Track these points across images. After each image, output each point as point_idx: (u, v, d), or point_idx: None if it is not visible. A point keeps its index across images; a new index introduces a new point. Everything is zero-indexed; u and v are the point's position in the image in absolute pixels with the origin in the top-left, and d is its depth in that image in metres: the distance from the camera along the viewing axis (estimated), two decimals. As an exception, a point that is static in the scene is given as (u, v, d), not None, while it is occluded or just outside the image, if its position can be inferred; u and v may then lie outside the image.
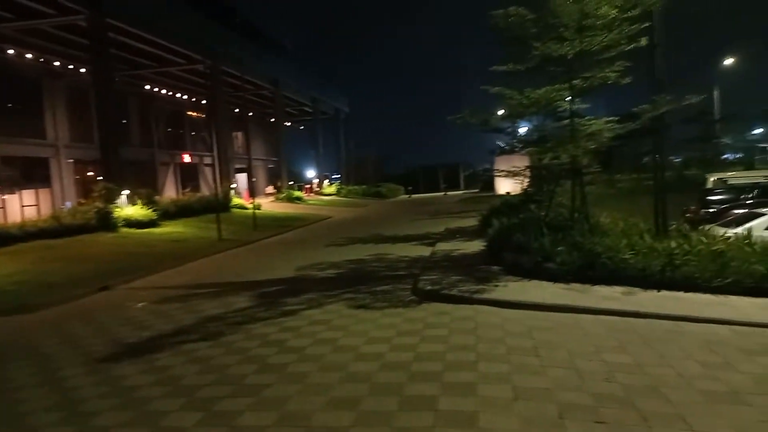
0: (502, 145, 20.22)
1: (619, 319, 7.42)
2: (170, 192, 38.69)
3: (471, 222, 20.60)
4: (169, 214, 25.81)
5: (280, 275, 12.80)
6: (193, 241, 20.74)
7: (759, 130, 49.34)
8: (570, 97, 11.09)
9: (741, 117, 48.09)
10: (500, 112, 12.97)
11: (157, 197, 27.36)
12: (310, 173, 60.91)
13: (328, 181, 59.04)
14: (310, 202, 43.92)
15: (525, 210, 14.49)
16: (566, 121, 11.54)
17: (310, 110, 56.21)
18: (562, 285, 9.08)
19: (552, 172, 14.03)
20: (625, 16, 9.78)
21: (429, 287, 9.59)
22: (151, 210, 23.87)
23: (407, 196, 60.85)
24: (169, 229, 23.31)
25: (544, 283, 9.27)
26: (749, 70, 48.47)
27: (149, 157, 37.74)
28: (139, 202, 24.34)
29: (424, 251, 14.78)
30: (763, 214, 11.88)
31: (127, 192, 23.92)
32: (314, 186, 55.17)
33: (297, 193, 44.16)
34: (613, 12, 9.68)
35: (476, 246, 14.45)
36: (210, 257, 17.58)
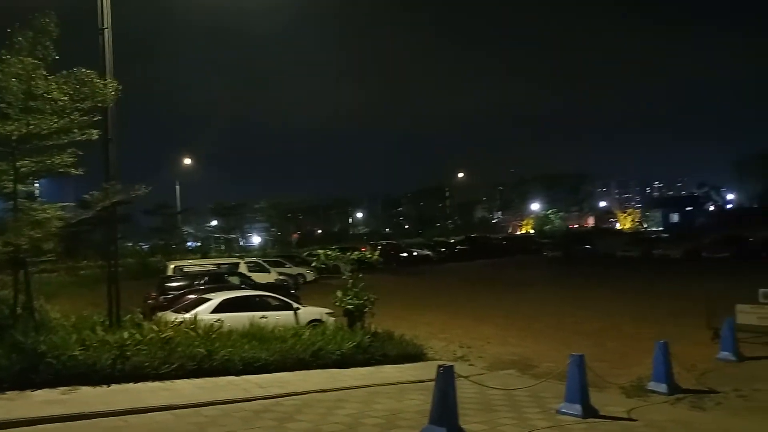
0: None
1: (62, 425, 6.80)
2: None
3: None
4: None
5: None
6: None
7: (214, 222, 57.12)
8: (14, 180, 9.96)
9: (198, 210, 54.85)
10: None
11: None
12: None
13: None
14: None
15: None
16: (11, 203, 10.31)
17: None
18: (-6, 396, 7.71)
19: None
20: (77, 105, 9.64)
21: None
22: None
23: None
24: None
25: (-29, 399, 7.67)
26: (205, 170, 56.10)
27: None
28: None
29: None
30: (210, 299, 13.26)
31: None
32: None
33: None
34: (64, 99, 9.40)
35: None
36: None
